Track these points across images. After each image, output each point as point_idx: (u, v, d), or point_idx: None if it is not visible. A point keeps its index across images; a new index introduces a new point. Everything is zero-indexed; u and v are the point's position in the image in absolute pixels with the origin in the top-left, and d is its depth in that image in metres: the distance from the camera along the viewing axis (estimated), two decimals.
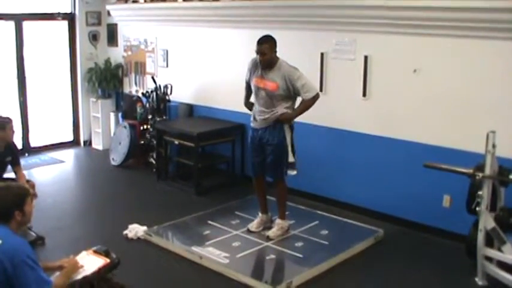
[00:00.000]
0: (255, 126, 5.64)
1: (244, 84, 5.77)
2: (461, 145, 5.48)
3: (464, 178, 4.83)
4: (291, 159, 5.51)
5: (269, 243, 5.54)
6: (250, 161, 5.96)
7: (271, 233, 5.69)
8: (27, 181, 5.66)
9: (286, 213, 5.82)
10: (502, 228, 4.65)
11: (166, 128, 7.70)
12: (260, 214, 5.90)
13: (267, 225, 5.86)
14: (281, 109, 5.42)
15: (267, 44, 5.37)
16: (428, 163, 5.16)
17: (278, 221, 5.76)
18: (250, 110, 5.77)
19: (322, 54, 6.50)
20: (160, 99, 8.03)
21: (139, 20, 8.86)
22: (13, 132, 5.78)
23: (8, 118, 5.76)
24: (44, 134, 9.38)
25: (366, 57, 6.13)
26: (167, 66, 8.57)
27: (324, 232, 5.81)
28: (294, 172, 5.58)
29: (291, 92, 5.39)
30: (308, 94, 5.36)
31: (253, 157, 5.78)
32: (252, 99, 5.72)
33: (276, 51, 5.43)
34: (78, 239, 5.66)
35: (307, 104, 5.43)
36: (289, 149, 5.50)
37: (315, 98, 5.41)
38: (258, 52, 5.41)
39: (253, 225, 5.85)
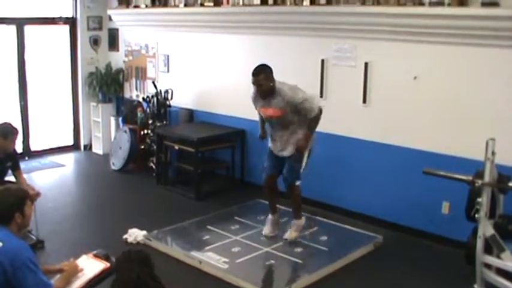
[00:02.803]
0: (274, 150, 5.63)
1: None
2: (460, 152, 5.49)
3: (463, 185, 4.82)
4: (301, 170, 5.52)
5: (269, 249, 5.54)
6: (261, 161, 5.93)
7: (288, 235, 5.69)
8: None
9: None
10: (501, 236, 4.65)
11: (166, 133, 7.71)
12: (270, 216, 5.86)
13: (279, 225, 5.87)
14: (296, 128, 5.41)
15: (262, 75, 5.30)
16: (427, 170, 5.16)
17: (294, 221, 5.74)
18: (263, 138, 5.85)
19: (322, 60, 6.52)
20: (160, 104, 8.05)
21: (141, 25, 8.88)
22: (14, 144, 5.75)
23: (15, 129, 5.71)
24: (44, 138, 9.39)
25: (366, 64, 6.15)
26: (168, 71, 8.59)
27: (323, 238, 5.82)
28: (299, 181, 5.59)
29: (300, 111, 5.33)
30: (312, 113, 5.32)
31: (270, 159, 5.73)
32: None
33: (273, 79, 5.35)
34: (78, 243, 5.66)
35: (315, 121, 5.40)
36: (302, 165, 5.50)
37: (319, 115, 5.36)
38: (254, 84, 5.38)
39: (268, 231, 5.84)
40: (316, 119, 5.38)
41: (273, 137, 5.60)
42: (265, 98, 5.40)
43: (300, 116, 5.38)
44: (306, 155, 5.52)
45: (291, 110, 5.32)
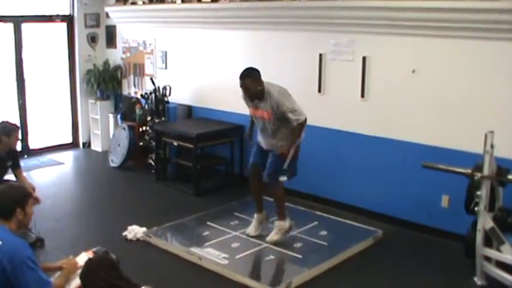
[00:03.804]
0: (261, 144, 5.65)
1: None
2: (459, 145, 5.49)
3: (462, 178, 4.84)
4: (284, 166, 5.42)
5: (268, 244, 5.53)
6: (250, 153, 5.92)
7: (269, 238, 5.59)
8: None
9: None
10: (501, 228, 4.66)
11: (165, 129, 7.71)
12: (255, 215, 5.81)
13: (264, 224, 5.81)
14: (283, 133, 5.37)
15: (249, 79, 5.28)
16: (427, 163, 5.17)
17: (277, 223, 5.64)
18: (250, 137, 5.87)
19: (320, 55, 6.51)
20: (159, 100, 8.04)
21: (138, 21, 8.87)
22: (17, 139, 5.85)
23: (15, 125, 5.80)
24: (43, 136, 9.38)
25: (364, 58, 6.14)
26: (166, 67, 8.58)
27: (323, 233, 5.82)
28: (284, 178, 5.48)
29: (285, 118, 5.28)
30: (296, 121, 5.24)
31: (256, 150, 5.72)
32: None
33: (261, 82, 5.31)
34: (78, 240, 5.67)
35: (298, 131, 5.33)
36: (287, 160, 5.40)
37: (303, 124, 5.31)
38: (241, 87, 5.36)
39: (251, 230, 5.76)
40: (300, 128, 5.31)
41: (262, 136, 5.58)
42: (253, 100, 5.39)
43: (286, 125, 5.32)
44: (291, 152, 5.38)
45: (276, 116, 5.28)
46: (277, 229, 5.62)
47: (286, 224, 5.63)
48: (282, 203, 5.65)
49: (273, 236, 5.60)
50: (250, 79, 5.29)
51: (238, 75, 5.40)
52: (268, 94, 5.27)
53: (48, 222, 6.12)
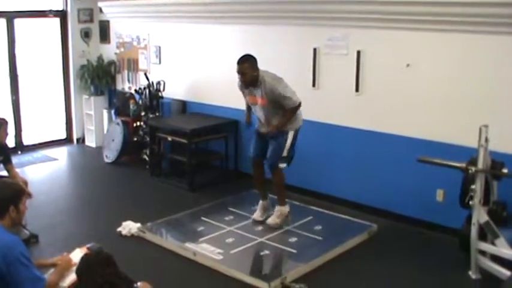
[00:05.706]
0: (259, 129, 5.81)
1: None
2: (454, 139, 5.49)
3: (457, 172, 4.84)
4: (284, 153, 5.58)
5: (263, 239, 5.53)
6: (251, 145, 6.01)
7: (270, 220, 5.79)
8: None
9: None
10: (495, 222, 4.67)
11: (159, 124, 7.69)
12: (260, 201, 5.96)
13: (269, 210, 5.96)
14: (277, 119, 5.54)
15: (246, 64, 5.46)
16: (422, 157, 5.18)
17: (277, 207, 5.82)
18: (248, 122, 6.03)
19: (314, 49, 6.49)
20: (153, 96, 8.02)
21: (132, 16, 8.83)
22: (7, 134, 5.81)
23: (3, 119, 5.77)
24: (36, 132, 9.34)
25: (358, 52, 6.12)
26: (160, 62, 8.55)
27: (318, 227, 5.81)
28: (284, 165, 5.66)
29: (280, 104, 5.47)
30: (289, 105, 5.44)
31: (255, 141, 5.85)
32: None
33: (257, 69, 5.48)
34: (72, 237, 5.65)
35: (291, 114, 5.51)
36: (286, 145, 5.57)
37: (296, 108, 5.51)
38: (238, 72, 5.51)
39: (257, 215, 5.94)
40: (293, 110, 5.50)
41: (259, 120, 5.76)
42: (248, 87, 5.56)
43: (281, 111, 5.50)
44: (290, 137, 5.59)
45: (272, 101, 5.44)
46: (278, 213, 5.80)
47: (286, 208, 5.83)
48: (282, 189, 5.85)
49: (274, 218, 5.80)
50: (248, 64, 5.46)
51: (232, 69, 5.44)
52: (262, 81, 5.45)
53: (42, 218, 6.10)
